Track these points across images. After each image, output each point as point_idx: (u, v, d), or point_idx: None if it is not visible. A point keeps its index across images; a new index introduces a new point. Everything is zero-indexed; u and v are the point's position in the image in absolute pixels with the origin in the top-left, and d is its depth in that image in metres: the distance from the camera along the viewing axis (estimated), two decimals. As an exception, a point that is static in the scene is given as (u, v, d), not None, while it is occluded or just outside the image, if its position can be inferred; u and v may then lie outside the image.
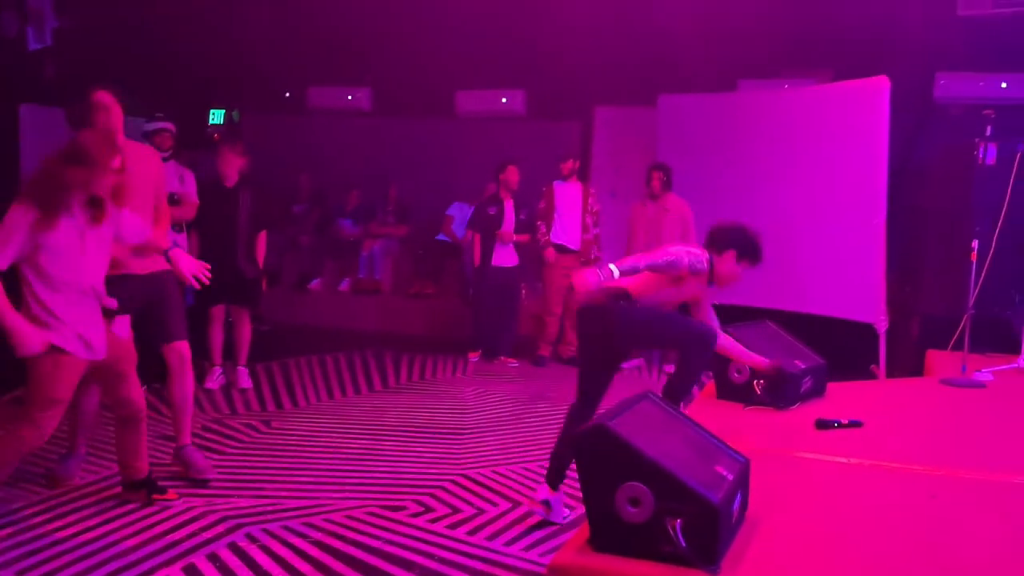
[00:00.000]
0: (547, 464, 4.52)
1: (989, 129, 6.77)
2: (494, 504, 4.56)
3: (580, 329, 4.36)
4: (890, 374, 7.20)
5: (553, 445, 4.43)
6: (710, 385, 5.33)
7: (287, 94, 11.33)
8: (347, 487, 4.73)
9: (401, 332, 9.39)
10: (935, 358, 6.58)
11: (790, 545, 3.05)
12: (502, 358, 8.15)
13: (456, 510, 4.46)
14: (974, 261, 5.83)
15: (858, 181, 7.42)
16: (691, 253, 4.16)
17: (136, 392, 4.20)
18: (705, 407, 4.91)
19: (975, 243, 5.77)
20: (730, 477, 3.04)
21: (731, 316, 7.70)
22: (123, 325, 4.42)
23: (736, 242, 4.28)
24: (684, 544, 2.74)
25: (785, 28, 8.23)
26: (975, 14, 7.78)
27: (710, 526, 2.77)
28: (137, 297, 4.48)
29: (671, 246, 4.25)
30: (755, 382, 4.84)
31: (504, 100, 10.03)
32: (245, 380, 6.83)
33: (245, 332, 6.83)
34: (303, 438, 5.60)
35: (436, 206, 10.13)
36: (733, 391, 4.96)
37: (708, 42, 8.59)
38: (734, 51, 8.76)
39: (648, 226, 7.85)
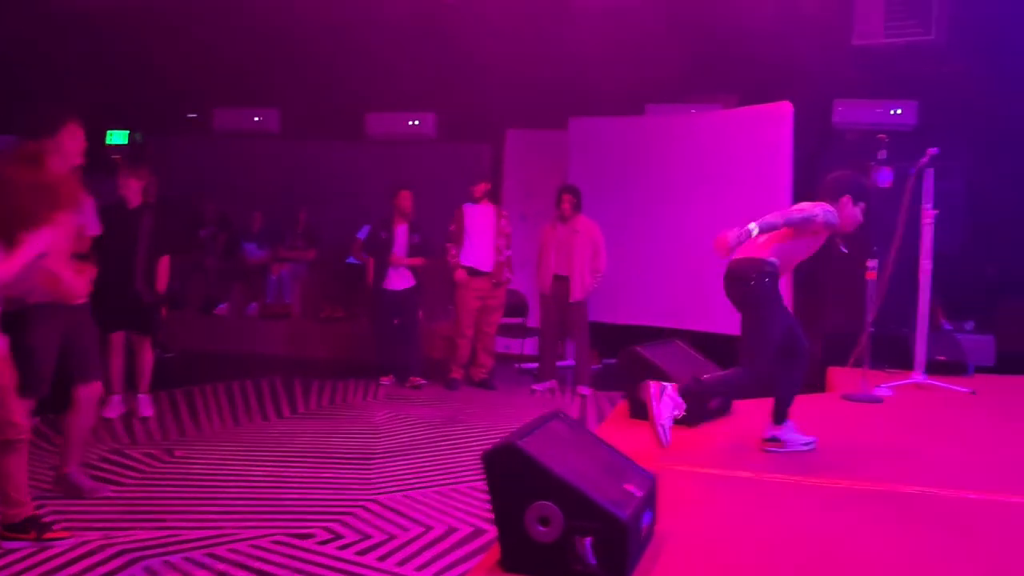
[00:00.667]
0: (460, 487, 4.48)
1: (883, 153, 7.02)
2: (405, 529, 4.47)
3: (727, 293, 4.55)
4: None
5: (472, 468, 4.37)
6: (622, 404, 5.37)
7: (192, 115, 11.10)
8: (253, 516, 4.59)
9: (310, 357, 9.24)
10: (836, 374, 6.77)
11: (698, 561, 3.07)
12: (411, 379, 8.06)
13: (366, 536, 4.36)
14: (872, 280, 6.01)
15: (763, 203, 7.60)
16: (821, 207, 4.25)
17: (16, 414, 3.93)
18: (618, 426, 4.93)
19: (873, 262, 5.95)
20: (639, 494, 3.05)
21: (641, 336, 7.83)
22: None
23: (849, 187, 4.41)
24: (594, 562, 2.73)
25: (691, 54, 8.41)
26: (868, 43, 8.11)
27: (619, 543, 2.77)
28: (59, 328, 4.34)
29: (802, 203, 4.31)
30: (665, 400, 4.87)
31: (414, 123, 10.02)
32: (147, 408, 6.60)
33: (146, 359, 6.61)
34: (207, 467, 5.43)
35: (346, 229, 10.03)
36: (644, 410, 4.97)
37: (617, 67, 8.75)
38: (642, 76, 8.93)
39: (559, 248, 7.90)
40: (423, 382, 8.02)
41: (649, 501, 3.12)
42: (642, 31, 8.47)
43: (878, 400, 5.78)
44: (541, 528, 2.80)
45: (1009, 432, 5.16)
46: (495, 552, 2.96)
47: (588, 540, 2.76)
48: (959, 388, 6.15)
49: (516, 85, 9.17)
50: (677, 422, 4.83)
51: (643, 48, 8.57)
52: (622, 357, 5.14)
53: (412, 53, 9.25)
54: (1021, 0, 7.83)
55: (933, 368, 6.42)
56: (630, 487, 3.07)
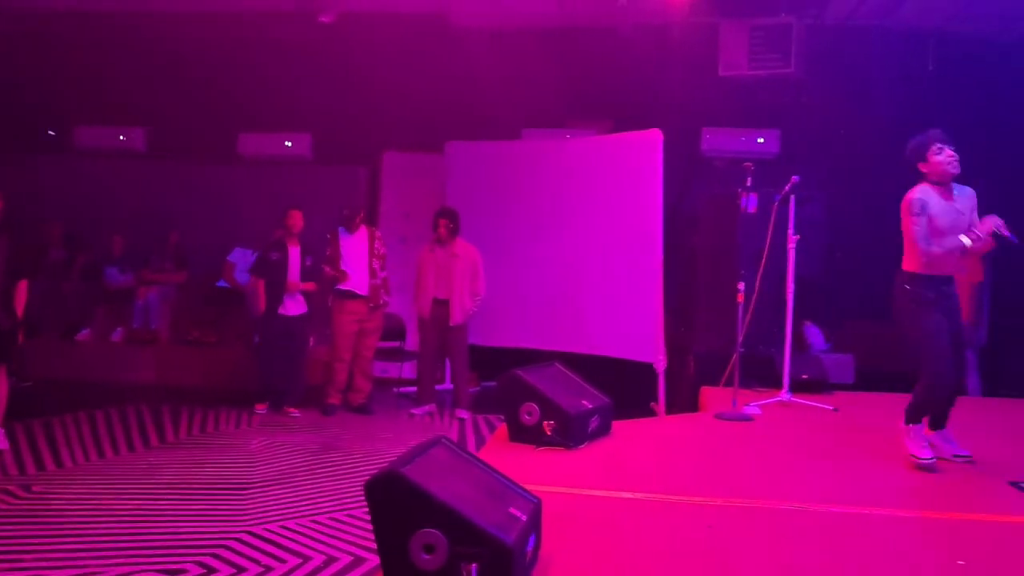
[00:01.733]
0: (339, 516, 4.41)
1: (749, 180, 7.32)
2: (282, 561, 4.35)
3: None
4: (669, 410, 7.55)
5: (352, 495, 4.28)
6: (502, 428, 5.38)
7: (51, 133, 10.60)
8: (120, 553, 4.37)
9: (180, 383, 8.91)
10: (708, 394, 6.96)
11: (582, 582, 3.10)
12: (286, 409, 7.85)
13: (241, 569, 4.22)
14: (740, 302, 6.23)
15: (636, 227, 7.81)
16: (910, 197, 4.72)
17: None
18: (498, 449, 4.93)
19: (741, 285, 6.17)
20: (523, 518, 3.06)
21: (517, 358, 7.87)
22: None
23: (922, 144, 4.79)
24: (480, 588, 2.72)
25: (567, 80, 8.59)
26: (734, 75, 8.44)
27: (505, 568, 2.76)
28: None
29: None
30: (545, 423, 4.92)
31: (289, 144, 9.84)
32: (1, 442, 6.23)
33: (1, 389, 6.24)
34: (69, 502, 5.15)
35: (217, 252, 9.73)
36: (524, 433, 5.02)
37: (494, 92, 8.84)
38: (518, 101, 9.05)
39: (438, 271, 7.89)
40: (298, 413, 7.82)
41: (534, 524, 3.13)
42: (520, 57, 8.59)
43: (749, 419, 5.98)
44: (426, 556, 2.77)
45: (870, 446, 5.41)
46: (380, 581, 2.91)
47: (474, 566, 2.74)
48: (823, 405, 6.43)
49: (393, 107, 9.16)
50: (554, 445, 4.91)
51: (520, 73, 8.69)
52: (502, 380, 5.16)
53: (287, 73, 9.11)
54: (869, 37, 8.30)
55: (797, 386, 6.68)
56: (514, 511, 3.07)
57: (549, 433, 4.92)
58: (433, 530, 2.77)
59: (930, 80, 8.05)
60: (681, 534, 3.67)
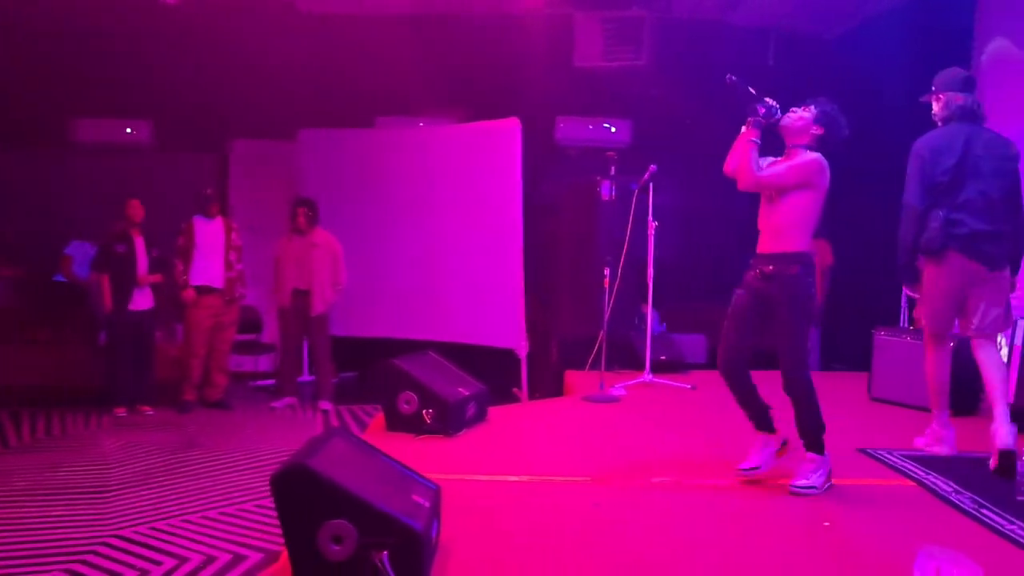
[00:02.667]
0: (210, 514, 4.47)
1: (613, 169, 7.54)
2: (158, 563, 4.19)
3: None
4: (532, 395, 7.69)
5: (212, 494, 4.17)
6: (379, 417, 5.35)
7: None
8: (-26, 566, 4.11)
9: (15, 384, 8.32)
10: (573, 377, 7.14)
11: (484, 565, 3.14)
12: (139, 407, 7.51)
13: (114, 574, 4.04)
14: (607, 288, 6.41)
15: (496, 215, 7.90)
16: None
17: None
18: (376, 439, 4.89)
19: (607, 271, 6.35)
20: (427, 505, 3.07)
21: (377, 348, 7.84)
22: None
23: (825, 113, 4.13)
24: (392, 575, 2.72)
25: (422, 69, 8.54)
26: (588, 65, 8.65)
27: (415, 554, 2.77)
28: None
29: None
30: (424, 412, 4.93)
31: (129, 130, 9.38)
32: None
33: None
34: (-92, 516, 4.78)
35: (52, 244, 9.17)
36: (402, 422, 5.01)
37: (347, 79, 8.71)
38: (373, 88, 8.95)
39: (298, 261, 7.73)
40: (151, 411, 7.50)
41: (435, 511, 3.14)
42: (373, 43, 8.49)
43: (616, 400, 6.18)
44: (335, 547, 2.74)
45: (730, 421, 5.69)
46: (286, 574, 2.86)
47: (384, 554, 2.74)
48: (681, 384, 6.71)
49: (242, 94, 8.85)
50: (434, 432, 4.93)
51: (374, 61, 8.59)
52: (378, 370, 5.13)
53: (127, 56, 8.66)
54: (714, 31, 8.69)
55: (657, 367, 6.94)
56: (417, 498, 3.08)
57: (428, 421, 4.93)
58: (341, 520, 2.74)
59: (771, 73, 8.50)
60: (570, 513, 3.77)
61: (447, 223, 8.27)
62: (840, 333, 8.44)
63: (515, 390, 7.73)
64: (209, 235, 7.75)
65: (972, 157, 4.55)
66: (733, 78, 4.00)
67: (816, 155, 4.03)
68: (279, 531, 4.45)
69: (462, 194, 8.20)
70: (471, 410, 5.19)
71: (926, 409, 5.90)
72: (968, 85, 4.72)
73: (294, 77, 8.65)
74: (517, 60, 8.56)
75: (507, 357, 7.80)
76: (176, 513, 4.93)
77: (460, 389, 5.19)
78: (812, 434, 4.05)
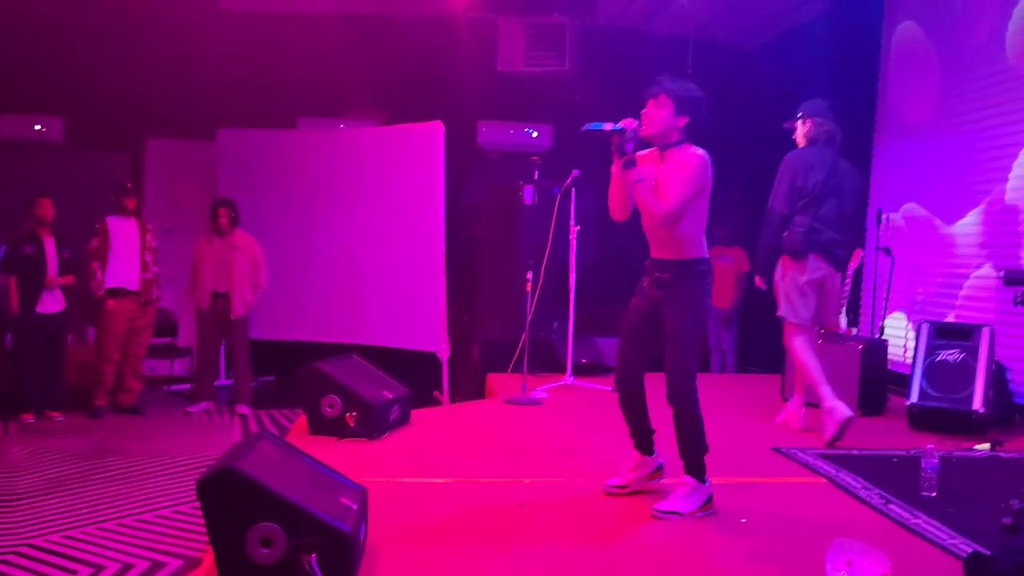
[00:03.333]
0: (126, 521, 4.45)
1: (536, 174, 7.62)
2: (72, 572, 4.09)
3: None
4: (453, 398, 7.71)
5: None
6: (301, 421, 5.31)
7: None
8: None
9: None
10: (495, 380, 7.18)
11: (411, 566, 3.16)
12: (48, 413, 7.28)
13: (28, 585, 3.93)
14: (529, 291, 6.47)
15: (418, 218, 7.90)
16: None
17: None
18: (299, 443, 4.86)
19: (530, 275, 6.41)
20: (354, 507, 3.07)
21: (294, 352, 7.76)
22: None
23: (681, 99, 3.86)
24: (321, 578, 2.72)
25: (344, 70, 8.48)
26: (511, 70, 8.72)
27: (344, 556, 2.78)
28: None
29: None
30: (348, 415, 4.92)
31: (39, 127, 9.08)
32: None
33: None
34: None
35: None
36: (326, 425, 4.98)
37: (267, 78, 8.60)
38: (294, 89, 8.85)
39: (217, 263, 7.61)
40: (61, 417, 7.28)
41: (363, 513, 3.15)
42: (295, 43, 8.41)
43: (538, 402, 6.24)
44: (264, 550, 2.73)
45: (652, 423, 5.82)
46: (210, 581, 2.84)
47: (313, 556, 2.73)
48: (602, 387, 6.80)
49: (159, 92, 8.65)
50: (357, 436, 4.92)
51: (296, 61, 8.50)
52: (301, 373, 5.09)
53: (37, 50, 8.39)
54: (635, 39, 8.85)
55: (578, 370, 7.03)
56: (345, 500, 3.08)
57: (352, 424, 4.92)
58: (270, 523, 2.73)
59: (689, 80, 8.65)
60: (495, 513, 3.81)
61: (369, 226, 8.24)
62: (755, 337, 8.67)
63: (436, 393, 7.74)
64: (124, 236, 7.57)
65: (836, 176, 5.34)
66: (587, 127, 3.81)
67: (699, 155, 3.76)
68: (199, 537, 4.45)
69: (385, 197, 8.18)
70: (395, 413, 5.19)
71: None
72: (830, 113, 5.47)
73: (214, 76, 8.49)
74: (441, 63, 8.59)
75: (429, 360, 7.80)
76: (90, 521, 4.82)
77: (384, 392, 5.19)
78: (691, 455, 3.84)
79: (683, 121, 3.79)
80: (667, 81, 3.81)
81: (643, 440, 4.09)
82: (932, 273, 7.19)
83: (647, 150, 3.90)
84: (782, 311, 5.48)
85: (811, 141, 5.43)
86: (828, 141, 5.43)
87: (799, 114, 5.50)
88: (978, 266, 6.57)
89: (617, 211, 3.95)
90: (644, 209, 3.84)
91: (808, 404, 5.60)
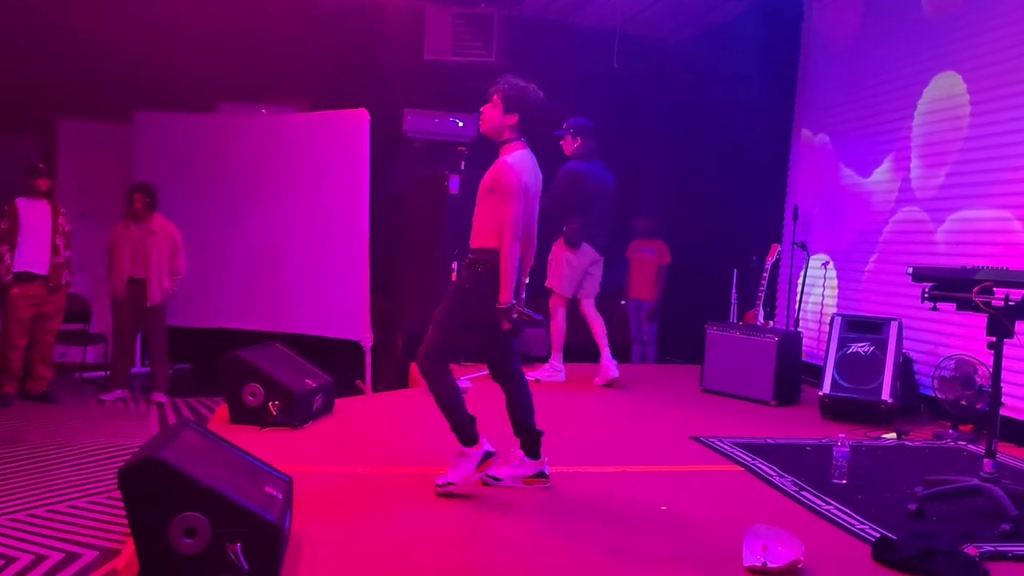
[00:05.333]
0: (38, 512, 4.37)
1: (463, 164, 7.61)
2: (-18, 565, 3.97)
3: None
4: (376, 387, 7.68)
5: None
6: (222, 409, 5.24)
7: None
8: None
9: None
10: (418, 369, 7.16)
11: (339, 557, 3.15)
12: (-47, 402, 7.05)
13: (-66, 579, 3.80)
14: (454, 281, 6.47)
15: (342, 206, 7.83)
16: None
17: None
18: (220, 432, 4.79)
19: (455, 264, 6.41)
20: (279, 496, 3.06)
21: (213, 340, 7.63)
22: None
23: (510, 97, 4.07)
24: (247, 567, 2.70)
25: (266, 54, 8.34)
26: (438, 59, 8.69)
27: (270, 545, 2.77)
28: None
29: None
30: (270, 403, 4.87)
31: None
32: None
33: None
34: None
35: None
36: (247, 414, 4.93)
37: (187, 60, 8.38)
38: (214, 72, 8.64)
39: (134, 249, 7.41)
40: None
41: (288, 502, 3.14)
42: (217, 25, 8.22)
43: (463, 391, 6.24)
44: (187, 540, 2.70)
45: (572, 412, 5.90)
46: (131, 570, 2.79)
47: (239, 546, 2.71)
48: (527, 376, 6.85)
49: (71, 71, 8.35)
50: (280, 424, 4.88)
51: (216, 43, 8.31)
52: (223, 362, 5.02)
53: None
54: (562, 32, 8.91)
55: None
56: (270, 489, 3.07)
57: (274, 413, 4.88)
58: (194, 513, 2.70)
59: (616, 76, 8.76)
60: (415, 502, 3.83)
61: (292, 213, 8.12)
62: (675, 328, 8.84)
63: (358, 382, 7.69)
64: (34, 218, 7.31)
65: (602, 185, 6.71)
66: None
67: (506, 165, 3.91)
68: (115, 527, 4.37)
69: (308, 184, 8.07)
70: (318, 402, 5.16)
71: (752, 400, 6.34)
72: (594, 132, 6.71)
73: (130, 56, 8.23)
74: (367, 50, 8.50)
75: (352, 349, 7.75)
76: (0, 511, 4.68)
77: (307, 381, 5.16)
78: (452, 427, 4.01)
79: (512, 119, 3.99)
80: (502, 82, 4.04)
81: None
82: (846, 268, 7.43)
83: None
84: (553, 285, 6.77)
85: (582, 156, 6.64)
86: (594, 155, 6.70)
87: (569, 130, 6.65)
88: (888, 261, 6.81)
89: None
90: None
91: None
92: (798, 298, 7.63)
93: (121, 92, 8.53)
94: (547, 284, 6.83)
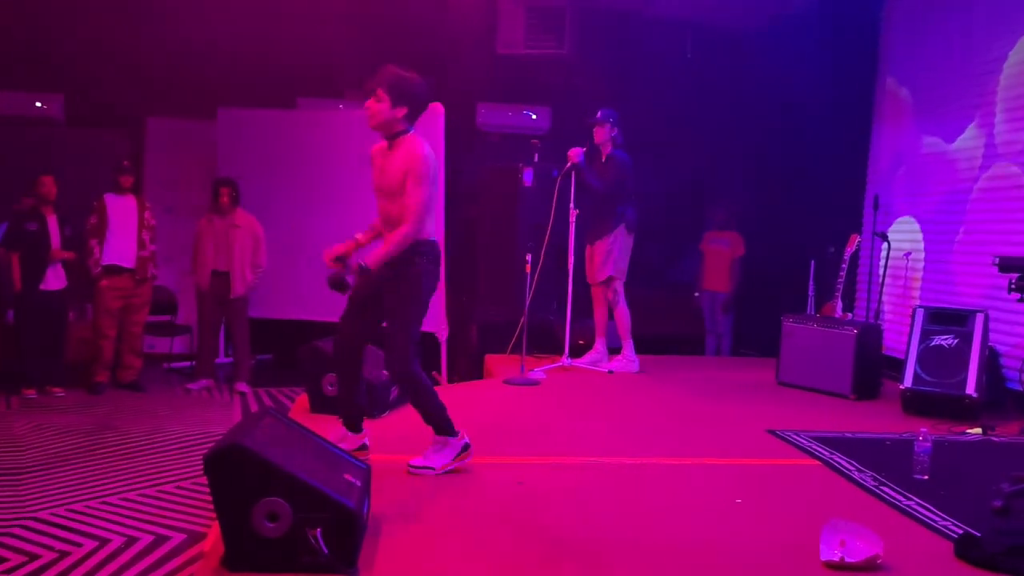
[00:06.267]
0: (130, 496, 4.51)
1: (536, 156, 7.64)
2: (78, 545, 4.14)
3: None
4: (451, 379, 7.77)
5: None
6: (302, 399, 5.37)
7: None
8: None
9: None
10: (493, 361, 7.25)
11: (412, 541, 3.22)
12: (49, 388, 7.33)
13: (34, 556, 3.98)
14: (528, 273, 6.51)
15: (417, 199, 7.89)
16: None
17: None
18: (303, 420, 4.92)
19: (529, 256, 6.45)
20: (358, 483, 3.13)
21: (296, 331, 7.77)
22: None
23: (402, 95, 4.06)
24: (327, 551, 2.78)
25: (343, 50, 8.48)
26: (511, 52, 8.72)
27: (349, 531, 2.84)
28: None
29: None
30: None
31: (39, 104, 9.07)
32: None
33: None
34: None
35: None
36: (327, 403, 5.03)
37: (268, 59, 8.59)
38: (293, 70, 8.84)
39: (218, 242, 7.63)
40: (62, 393, 7.33)
41: (366, 489, 3.21)
42: (296, 22, 8.40)
43: (536, 383, 6.30)
44: (269, 524, 2.79)
45: (647, 404, 5.90)
46: (217, 552, 2.89)
47: (318, 531, 2.79)
48: (599, 369, 6.87)
49: (159, 70, 8.64)
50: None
51: (296, 41, 8.50)
52: (303, 352, 5.14)
53: (38, 27, 8.38)
54: (634, 22, 8.85)
55: (576, 351, 7.09)
56: (349, 476, 3.14)
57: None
58: (276, 498, 2.79)
59: (689, 66, 8.70)
60: (495, 491, 3.88)
61: (369, 206, 8.21)
62: (750, 320, 8.73)
63: (434, 373, 7.79)
64: (121, 213, 7.58)
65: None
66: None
67: (421, 150, 3.98)
68: (202, 511, 4.52)
69: (384, 177, 8.16)
70: (394, 392, 5.25)
71: (830, 393, 6.25)
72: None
73: (214, 54, 8.47)
74: (441, 45, 8.57)
75: (428, 340, 7.84)
76: (94, 495, 4.87)
77: (383, 372, 5.23)
78: (432, 420, 4.03)
79: (402, 111, 3.96)
80: (383, 75, 3.98)
81: (354, 418, 4.29)
82: (929, 260, 7.25)
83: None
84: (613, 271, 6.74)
85: (619, 145, 6.76)
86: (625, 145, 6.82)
87: (609, 119, 6.75)
88: (975, 252, 6.63)
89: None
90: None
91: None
92: (879, 290, 7.47)
93: (206, 90, 8.78)
94: (608, 273, 6.73)
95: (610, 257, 6.74)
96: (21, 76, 8.89)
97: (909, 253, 7.38)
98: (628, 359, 6.97)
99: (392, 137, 4.07)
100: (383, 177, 4.12)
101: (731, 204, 8.65)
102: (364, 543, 3.08)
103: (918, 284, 7.33)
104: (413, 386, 3.99)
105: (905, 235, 7.56)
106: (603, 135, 6.76)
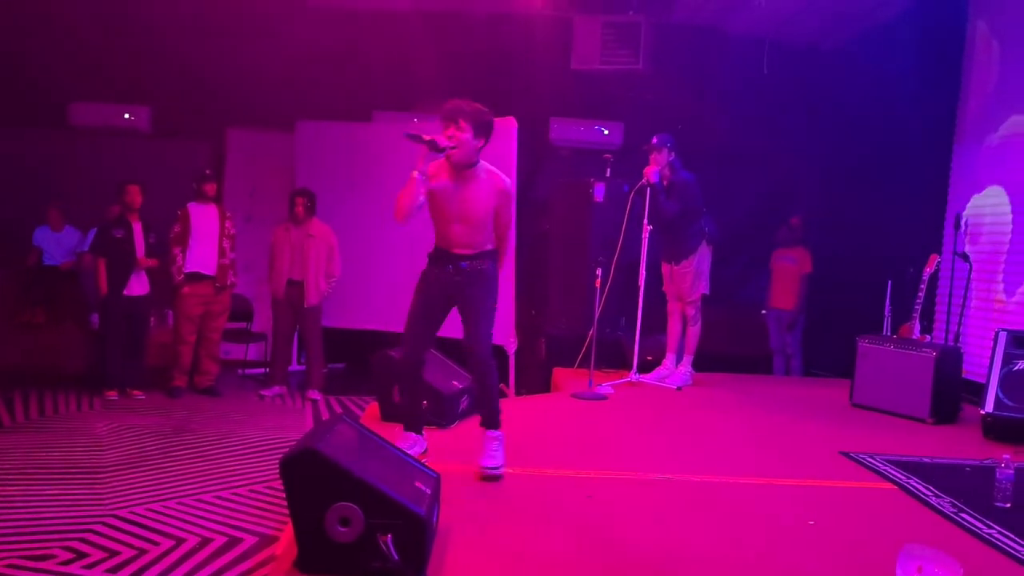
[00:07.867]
0: (205, 497, 4.64)
1: (608, 171, 7.63)
2: (155, 543, 4.26)
3: None
4: (519, 392, 7.79)
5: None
6: (373, 407, 5.44)
7: None
8: (-26, 541, 4.16)
9: (8, 365, 8.32)
10: (561, 375, 7.24)
11: (481, 549, 3.24)
12: (130, 391, 7.55)
13: (113, 553, 4.11)
14: (598, 287, 6.50)
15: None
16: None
17: None
18: (373, 428, 4.98)
19: (599, 271, 6.44)
20: (428, 491, 3.17)
21: (368, 341, 7.86)
22: None
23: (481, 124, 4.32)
24: (397, 557, 2.81)
25: (419, 65, 8.61)
26: (585, 68, 8.76)
27: (419, 538, 2.87)
28: None
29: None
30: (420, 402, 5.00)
31: (127, 115, 9.39)
32: None
33: None
34: (-93, 491, 4.82)
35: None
36: (397, 412, 5.08)
37: (344, 72, 8.77)
38: (370, 83, 9.01)
39: (293, 251, 7.79)
40: (142, 395, 7.55)
41: (436, 497, 3.24)
42: (373, 38, 8.56)
43: (604, 397, 6.28)
44: (341, 528, 2.84)
45: (713, 422, 5.83)
46: (290, 555, 2.95)
47: (389, 537, 2.83)
48: (667, 385, 6.82)
49: (240, 83, 8.86)
50: (429, 423, 5.01)
51: (373, 55, 8.66)
52: (375, 360, 5.21)
53: (127, 41, 8.68)
54: (710, 38, 8.80)
55: (644, 367, 7.04)
56: (419, 484, 3.18)
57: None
58: (349, 504, 2.83)
59: (765, 82, 8.61)
60: (564, 504, 3.88)
61: (440, 218, 8.31)
62: (821, 340, 8.57)
63: (502, 386, 7.82)
64: (203, 222, 7.80)
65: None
66: (407, 134, 4.34)
67: (507, 179, 4.36)
68: (274, 515, 4.60)
69: (457, 191, 8.24)
70: (464, 403, 5.29)
71: (907, 417, 6.10)
72: None
73: (294, 68, 8.69)
74: (515, 60, 8.65)
75: (496, 353, 7.86)
76: (170, 495, 5.01)
77: (454, 382, 5.29)
78: (489, 405, 4.30)
79: (481, 142, 4.19)
80: (464, 107, 4.17)
81: (417, 421, 4.50)
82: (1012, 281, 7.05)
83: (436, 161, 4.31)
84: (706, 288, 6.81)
85: (681, 167, 6.68)
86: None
87: (667, 143, 6.63)
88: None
89: (405, 214, 4.42)
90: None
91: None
92: (959, 312, 7.28)
93: (285, 103, 9.00)
94: (702, 291, 6.81)
95: (700, 275, 6.79)
96: (111, 89, 9.23)
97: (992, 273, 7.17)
98: (686, 372, 6.95)
99: (468, 167, 4.23)
100: (464, 205, 4.28)
101: (800, 220, 8.51)
102: (433, 550, 3.11)
103: (1000, 307, 7.13)
104: (486, 368, 4.25)
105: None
106: (660, 161, 6.66)
